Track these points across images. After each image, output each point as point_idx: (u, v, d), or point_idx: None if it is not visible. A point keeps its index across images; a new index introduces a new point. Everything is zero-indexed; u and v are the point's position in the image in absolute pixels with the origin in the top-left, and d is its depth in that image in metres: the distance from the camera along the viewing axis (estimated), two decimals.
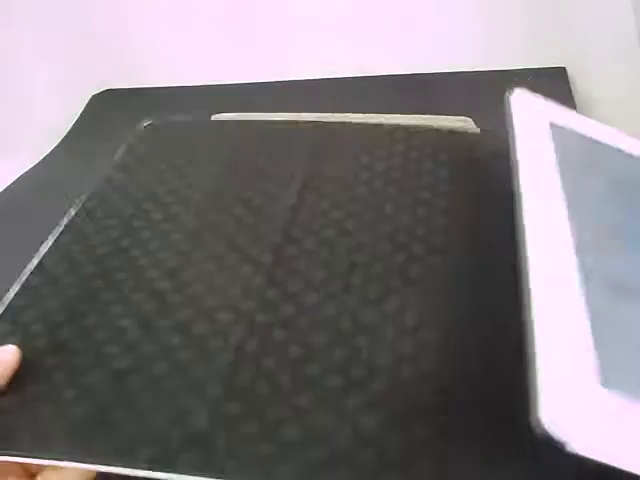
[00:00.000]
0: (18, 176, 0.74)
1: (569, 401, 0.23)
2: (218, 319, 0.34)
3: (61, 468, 0.30)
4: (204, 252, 0.39)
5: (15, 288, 0.38)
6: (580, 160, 0.37)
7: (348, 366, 0.31)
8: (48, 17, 0.94)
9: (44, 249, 0.41)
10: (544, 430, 0.21)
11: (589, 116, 0.90)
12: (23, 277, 0.39)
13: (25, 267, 0.56)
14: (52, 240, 0.42)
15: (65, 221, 0.44)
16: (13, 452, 0.29)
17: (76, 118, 0.92)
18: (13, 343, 0.33)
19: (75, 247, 0.41)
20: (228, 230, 0.41)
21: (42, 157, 0.80)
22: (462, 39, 0.98)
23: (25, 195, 0.70)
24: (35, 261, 0.40)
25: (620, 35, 0.85)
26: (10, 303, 0.37)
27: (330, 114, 0.82)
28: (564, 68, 0.95)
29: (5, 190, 0.71)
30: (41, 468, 0.31)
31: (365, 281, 0.36)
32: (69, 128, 0.90)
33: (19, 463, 0.31)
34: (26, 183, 0.73)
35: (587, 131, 0.41)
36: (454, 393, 0.30)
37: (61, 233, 0.43)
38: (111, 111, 0.95)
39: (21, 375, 0.32)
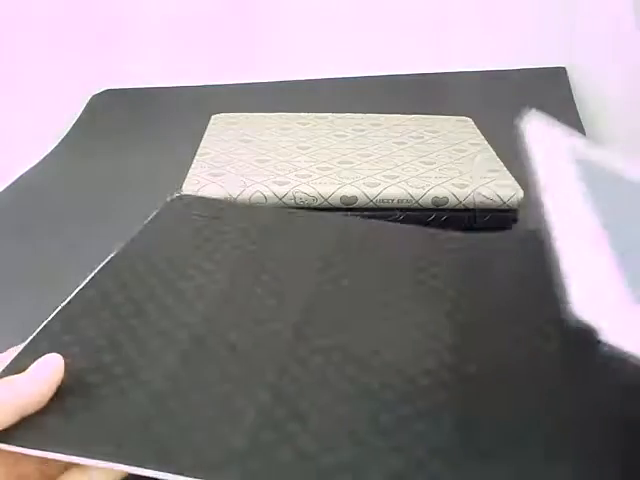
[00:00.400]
0: (18, 176, 0.74)
1: (600, 296, 0.23)
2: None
3: (86, 469, 0.30)
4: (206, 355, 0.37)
5: None
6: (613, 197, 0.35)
7: None
8: (48, 17, 0.94)
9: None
10: (577, 317, 0.21)
11: (589, 116, 0.90)
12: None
13: (26, 267, 0.57)
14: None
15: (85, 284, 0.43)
16: (57, 449, 0.30)
17: (76, 118, 0.93)
18: None
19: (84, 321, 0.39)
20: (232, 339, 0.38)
21: (42, 157, 0.80)
22: (462, 39, 0.98)
23: (25, 195, 0.70)
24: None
25: (620, 35, 0.85)
26: None
27: (330, 114, 0.82)
28: (564, 68, 0.95)
29: (5, 190, 0.71)
30: (60, 471, 0.31)
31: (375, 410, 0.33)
32: (69, 128, 0.90)
33: (38, 467, 0.31)
34: (26, 183, 0.73)
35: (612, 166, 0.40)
36: None
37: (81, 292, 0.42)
38: (111, 111, 0.95)
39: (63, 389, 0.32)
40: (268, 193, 0.61)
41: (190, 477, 0.29)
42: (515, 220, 0.61)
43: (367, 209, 0.60)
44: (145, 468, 0.29)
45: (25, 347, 0.35)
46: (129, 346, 0.36)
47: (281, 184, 0.62)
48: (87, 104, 0.96)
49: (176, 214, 0.51)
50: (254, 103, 0.89)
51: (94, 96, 0.98)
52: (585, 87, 0.91)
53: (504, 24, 0.97)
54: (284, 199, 0.61)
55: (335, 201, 0.61)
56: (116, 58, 0.99)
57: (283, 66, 1.00)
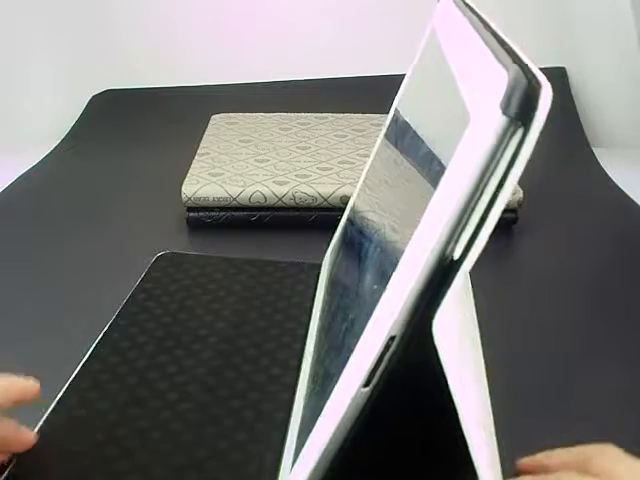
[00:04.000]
0: (18, 176, 0.74)
1: None
2: None
3: None
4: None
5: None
6: None
7: None
8: (48, 17, 0.94)
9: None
10: None
11: (588, 116, 0.90)
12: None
13: (26, 267, 0.57)
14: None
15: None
16: None
17: (76, 118, 0.92)
18: None
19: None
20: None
21: (42, 157, 0.80)
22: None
23: (25, 195, 0.70)
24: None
25: (620, 35, 0.85)
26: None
27: (330, 114, 0.82)
28: (564, 68, 0.95)
29: (5, 190, 0.71)
30: None
31: None
32: (69, 128, 0.90)
33: None
34: (26, 183, 0.73)
35: None
36: None
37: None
38: (111, 111, 0.95)
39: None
40: (268, 193, 0.61)
41: None
42: (515, 221, 0.61)
43: None
44: None
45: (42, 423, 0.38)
46: (142, 419, 0.38)
47: (281, 184, 0.62)
48: (87, 104, 0.96)
49: (163, 274, 0.52)
50: (254, 103, 0.89)
51: (94, 96, 0.98)
52: (585, 87, 0.91)
53: (503, 24, 0.97)
54: (284, 199, 0.61)
55: (335, 201, 0.61)
56: (116, 58, 0.99)
57: (283, 66, 1.00)
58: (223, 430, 0.37)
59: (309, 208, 0.62)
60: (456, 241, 0.23)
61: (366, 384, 0.26)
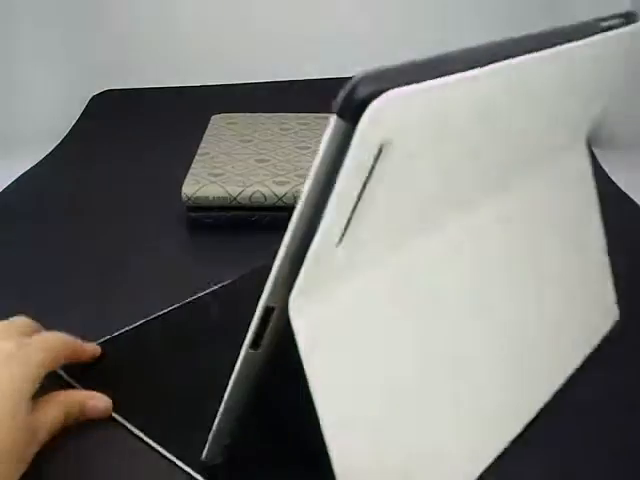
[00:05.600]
0: (18, 176, 0.74)
1: None
2: None
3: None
4: None
5: None
6: None
7: None
8: (48, 17, 0.94)
9: None
10: None
11: None
12: None
13: (25, 267, 0.57)
14: None
15: None
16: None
17: (76, 118, 0.92)
18: None
19: None
20: None
21: (42, 157, 0.80)
22: (462, 39, 0.98)
23: (25, 195, 0.70)
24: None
25: None
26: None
27: (330, 114, 0.82)
28: None
29: (5, 190, 0.71)
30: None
31: None
32: (69, 128, 0.90)
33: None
34: (26, 183, 0.73)
35: None
36: None
37: None
38: (111, 111, 0.95)
39: None
40: (268, 193, 0.61)
41: None
42: None
43: None
44: None
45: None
46: None
47: (281, 184, 0.62)
48: (87, 104, 0.96)
49: None
50: (254, 103, 0.89)
51: (94, 96, 0.98)
52: None
53: (503, 24, 0.97)
54: (284, 199, 0.61)
55: None
56: (116, 58, 0.99)
57: (283, 66, 1.00)
58: None
59: None
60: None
61: (253, 346, 0.29)
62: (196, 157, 0.68)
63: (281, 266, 0.26)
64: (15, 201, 0.70)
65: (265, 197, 0.61)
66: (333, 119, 0.23)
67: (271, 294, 0.27)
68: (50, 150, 0.83)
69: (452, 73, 0.25)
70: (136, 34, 0.99)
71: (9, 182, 0.73)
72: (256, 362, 0.30)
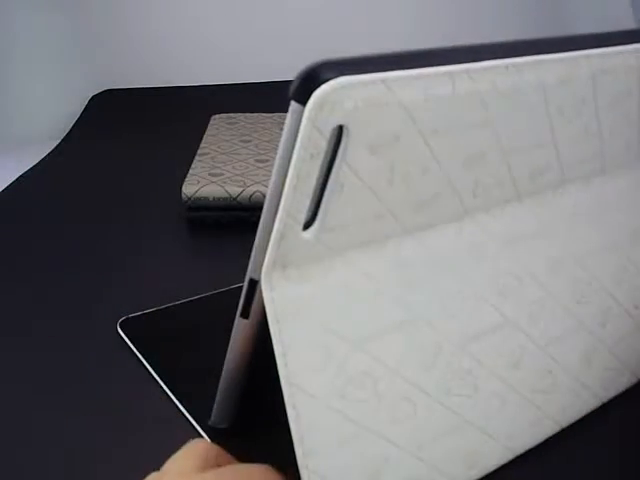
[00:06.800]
0: (18, 176, 0.74)
1: None
2: None
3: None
4: None
5: None
6: None
7: None
8: (48, 17, 0.94)
9: None
10: None
11: None
12: None
13: (25, 268, 0.57)
14: None
15: None
16: None
17: (76, 118, 0.93)
18: None
19: None
20: None
21: (42, 157, 0.80)
22: (462, 39, 0.98)
23: (25, 195, 0.70)
24: None
25: None
26: None
27: None
28: None
29: (5, 190, 0.71)
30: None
31: None
32: (69, 128, 0.90)
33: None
34: (26, 183, 0.73)
35: None
36: None
37: None
38: (111, 111, 0.95)
39: None
40: None
41: None
42: None
43: None
44: None
45: None
46: None
47: None
48: (87, 104, 0.96)
49: None
50: (254, 103, 0.89)
51: (94, 96, 0.98)
52: None
53: (503, 24, 0.97)
54: None
55: None
56: (116, 58, 0.99)
57: (284, 66, 1.00)
58: None
59: None
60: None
61: (243, 314, 0.31)
62: (196, 157, 0.68)
63: (259, 241, 0.29)
64: (15, 201, 0.70)
65: (265, 197, 0.61)
66: (291, 103, 0.24)
67: (253, 267, 0.30)
68: (50, 150, 0.83)
69: (425, 67, 0.26)
70: (136, 34, 0.99)
71: (9, 182, 0.73)
72: (247, 330, 0.32)
